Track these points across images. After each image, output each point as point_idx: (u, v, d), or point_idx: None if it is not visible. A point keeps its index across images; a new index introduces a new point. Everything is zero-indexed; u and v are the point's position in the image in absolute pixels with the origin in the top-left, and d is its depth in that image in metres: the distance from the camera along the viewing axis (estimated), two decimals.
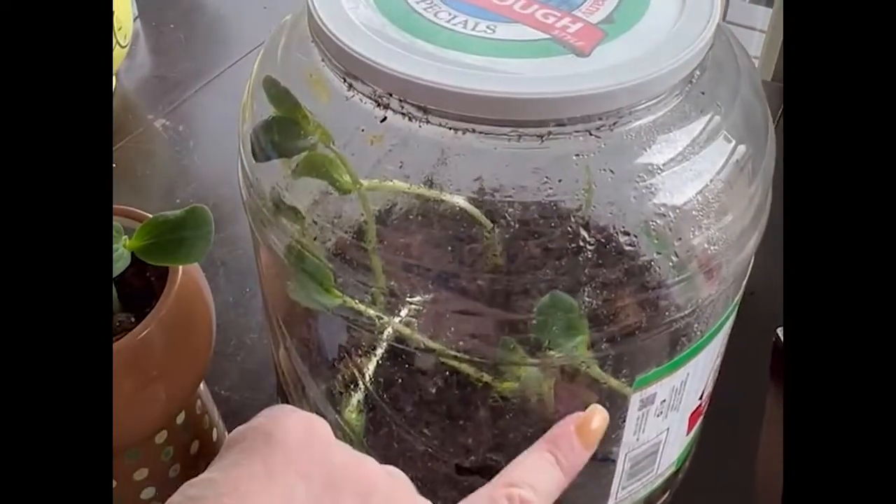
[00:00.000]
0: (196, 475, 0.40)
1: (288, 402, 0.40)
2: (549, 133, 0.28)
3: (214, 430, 0.42)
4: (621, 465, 0.35)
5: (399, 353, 0.33)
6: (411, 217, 0.32)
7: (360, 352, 0.34)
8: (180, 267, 0.35)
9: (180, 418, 0.38)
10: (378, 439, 0.36)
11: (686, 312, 0.31)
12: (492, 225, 0.30)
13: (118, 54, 0.70)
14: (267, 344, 0.50)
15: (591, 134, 0.28)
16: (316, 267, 0.31)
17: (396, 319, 0.31)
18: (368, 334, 0.33)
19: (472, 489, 0.35)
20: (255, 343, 0.52)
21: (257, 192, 0.33)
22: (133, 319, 0.34)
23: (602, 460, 0.35)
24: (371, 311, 0.31)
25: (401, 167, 0.30)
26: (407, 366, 0.33)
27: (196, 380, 0.37)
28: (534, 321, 0.30)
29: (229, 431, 0.45)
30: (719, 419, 0.43)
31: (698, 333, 0.33)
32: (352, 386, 0.35)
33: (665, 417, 0.35)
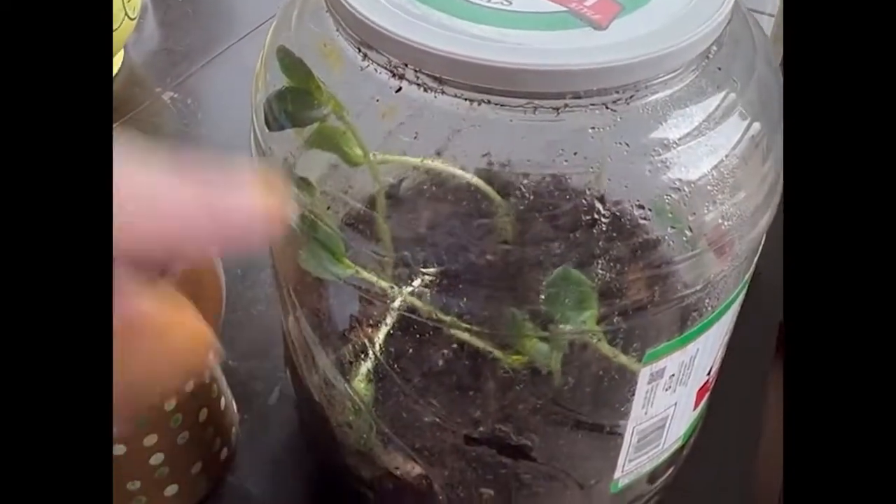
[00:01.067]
0: (204, 443, 0.41)
1: (296, 372, 0.40)
2: (565, 105, 0.28)
3: (222, 398, 0.43)
4: (629, 439, 0.35)
5: (409, 324, 0.33)
6: (424, 188, 0.32)
7: (370, 322, 0.34)
8: None
9: (189, 386, 0.38)
10: (387, 409, 0.36)
11: (698, 288, 0.31)
12: (505, 197, 0.30)
13: (127, 27, 0.69)
14: (275, 315, 0.50)
15: (607, 107, 0.28)
16: (328, 236, 0.31)
17: (407, 290, 0.31)
18: (379, 304, 0.33)
19: (479, 459, 0.36)
20: (263, 315, 0.52)
21: (270, 162, 0.33)
22: None
23: (610, 433, 0.35)
24: (382, 282, 0.31)
25: (415, 138, 0.30)
26: (417, 336, 0.33)
27: None
28: (544, 295, 0.30)
29: (237, 400, 0.45)
30: (725, 397, 0.43)
31: (709, 309, 0.33)
32: (361, 355, 0.35)
33: (673, 392, 0.35)
